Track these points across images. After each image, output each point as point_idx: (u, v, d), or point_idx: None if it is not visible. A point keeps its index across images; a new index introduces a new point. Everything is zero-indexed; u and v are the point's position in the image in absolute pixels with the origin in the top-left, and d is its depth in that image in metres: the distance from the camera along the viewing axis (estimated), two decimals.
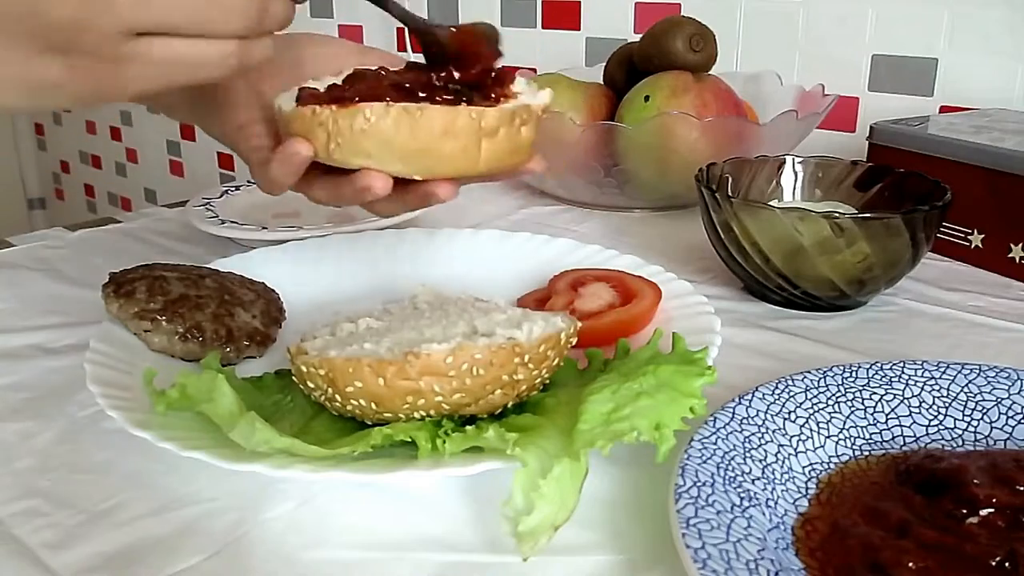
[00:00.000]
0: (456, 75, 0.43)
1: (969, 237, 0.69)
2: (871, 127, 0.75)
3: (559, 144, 0.79)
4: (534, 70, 1.25)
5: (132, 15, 0.32)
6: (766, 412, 0.42)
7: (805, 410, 0.43)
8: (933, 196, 0.59)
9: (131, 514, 0.39)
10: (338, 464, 0.38)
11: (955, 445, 0.42)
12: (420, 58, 0.47)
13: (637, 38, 0.88)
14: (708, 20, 0.85)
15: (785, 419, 0.42)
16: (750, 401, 0.42)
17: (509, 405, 0.41)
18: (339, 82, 0.45)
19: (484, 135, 0.42)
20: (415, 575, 0.36)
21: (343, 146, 0.42)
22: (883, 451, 0.42)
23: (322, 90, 0.44)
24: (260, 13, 0.35)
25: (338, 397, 0.40)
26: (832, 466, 0.41)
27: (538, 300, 0.58)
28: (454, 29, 0.45)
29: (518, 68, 0.53)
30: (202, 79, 0.36)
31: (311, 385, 0.41)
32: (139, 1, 0.32)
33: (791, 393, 0.43)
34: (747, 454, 0.39)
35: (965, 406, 0.44)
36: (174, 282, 0.53)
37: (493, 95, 0.43)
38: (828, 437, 0.42)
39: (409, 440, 0.39)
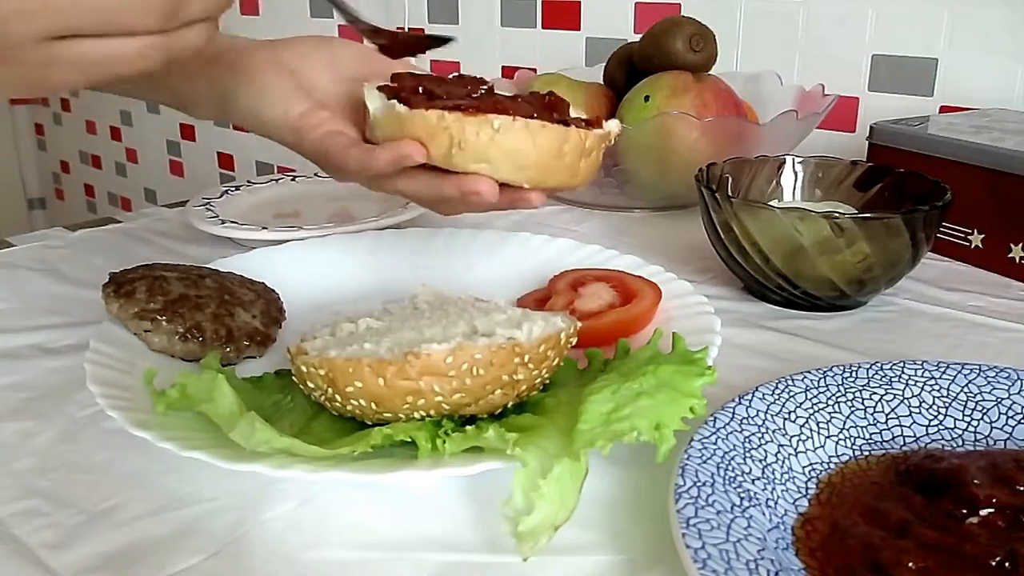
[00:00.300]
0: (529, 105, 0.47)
1: (969, 237, 0.69)
2: (871, 127, 0.75)
3: None
4: (534, 70, 1.25)
5: (44, 24, 0.35)
6: (766, 412, 0.42)
7: (805, 410, 0.42)
8: (933, 196, 0.59)
9: (131, 514, 0.39)
10: (338, 464, 0.38)
11: (955, 445, 0.42)
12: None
13: (637, 38, 0.88)
14: (708, 20, 0.85)
15: (785, 419, 0.42)
16: (750, 401, 0.42)
17: (509, 405, 0.41)
18: (388, 83, 0.49)
19: (584, 155, 0.47)
20: (415, 575, 0.36)
21: (466, 151, 0.44)
22: (883, 451, 0.42)
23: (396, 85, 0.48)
24: (174, 7, 0.37)
25: (338, 397, 0.40)
26: (832, 466, 0.41)
27: (538, 300, 0.58)
28: (399, 31, 0.48)
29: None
30: (128, 74, 0.38)
31: (311, 385, 0.41)
32: (48, 9, 0.35)
33: (791, 393, 0.43)
34: (747, 454, 0.39)
35: (965, 406, 0.44)
36: (174, 282, 0.53)
37: (581, 122, 0.48)
38: (828, 437, 0.42)
39: (409, 440, 0.39)
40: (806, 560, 0.34)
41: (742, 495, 0.36)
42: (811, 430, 0.42)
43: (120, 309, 0.50)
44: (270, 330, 0.54)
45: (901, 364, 0.46)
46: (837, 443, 0.42)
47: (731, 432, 0.40)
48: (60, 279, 0.68)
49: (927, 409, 0.44)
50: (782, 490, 0.38)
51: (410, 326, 0.44)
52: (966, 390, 0.44)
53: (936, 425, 0.43)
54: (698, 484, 0.35)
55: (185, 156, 2.18)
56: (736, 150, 0.74)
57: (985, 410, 0.43)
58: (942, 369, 0.45)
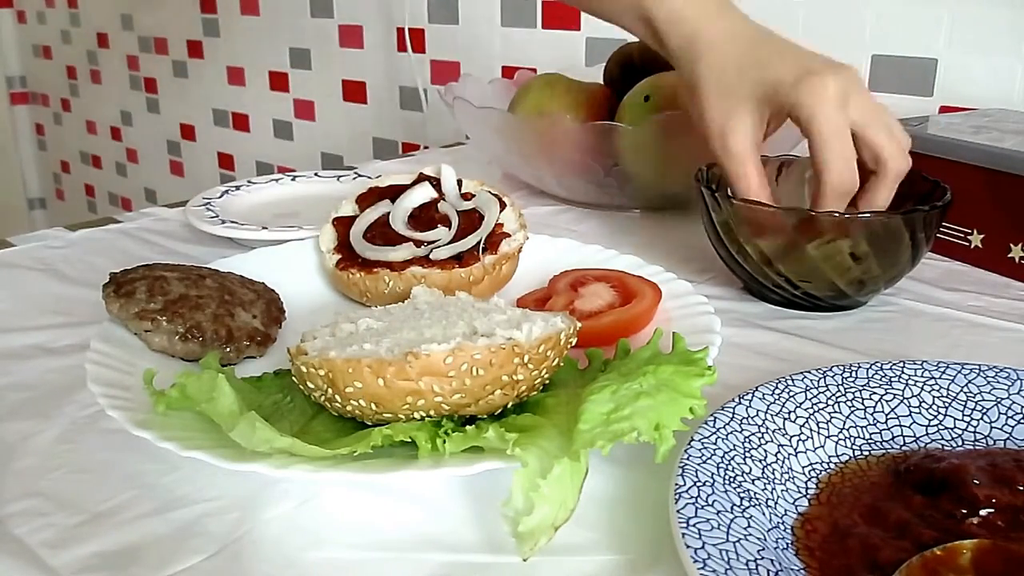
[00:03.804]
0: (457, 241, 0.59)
1: (969, 237, 0.69)
2: None
3: (559, 144, 0.79)
4: (534, 70, 1.25)
5: None
6: (766, 412, 0.42)
7: (805, 410, 0.43)
8: (933, 196, 0.59)
9: (131, 514, 0.39)
10: (338, 464, 0.38)
11: (955, 445, 0.42)
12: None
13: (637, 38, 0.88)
14: None
15: (785, 419, 0.42)
16: (750, 401, 0.42)
17: (509, 405, 0.41)
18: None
19: (472, 284, 0.57)
20: (415, 575, 0.36)
21: (373, 298, 0.58)
22: (883, 451, 0.42)
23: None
24: None
25: (338, 398, 0.40)
26: (832, 466, 0.41)
27: (538, 300, 0.58)
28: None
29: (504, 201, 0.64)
30: None
31: (311, 385, 0.41)
32: None
33: (791, 393, 0.43)
34: (747, 454, 0.39)
35: (965, 406, 0.44)
36: (174, 282, 0.53)
37: (485, 247, 0.59)
38: (828, 437, 0.42)
39: (409, 440, 0.39)
40: (806, 560, 0.34)
41: (742, 495, 0.36)
42: (811, 430, 0.42)
43: (120, 309, 0.50)
44: (270, 330, 0.54)
45: (901, 364, 0.46)
46: (837, 443, 0.42)
47: (731, 432, 0.40)
48: (60, 279, 0.68)
49: (927, 409, 0.44)
50: (782, 490, 0.38)
51: (410, 326, 0.44)
52: (966, 390, 0.44)
53: (936, 425, 0.43)
54: (698, 484, 0.36)
55: (185, 156, 2.18)
56: None
57: (985, 410, 0.43)
58: (942, 369, 0.45)
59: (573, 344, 0.44)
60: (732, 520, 0.34)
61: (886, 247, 0.56)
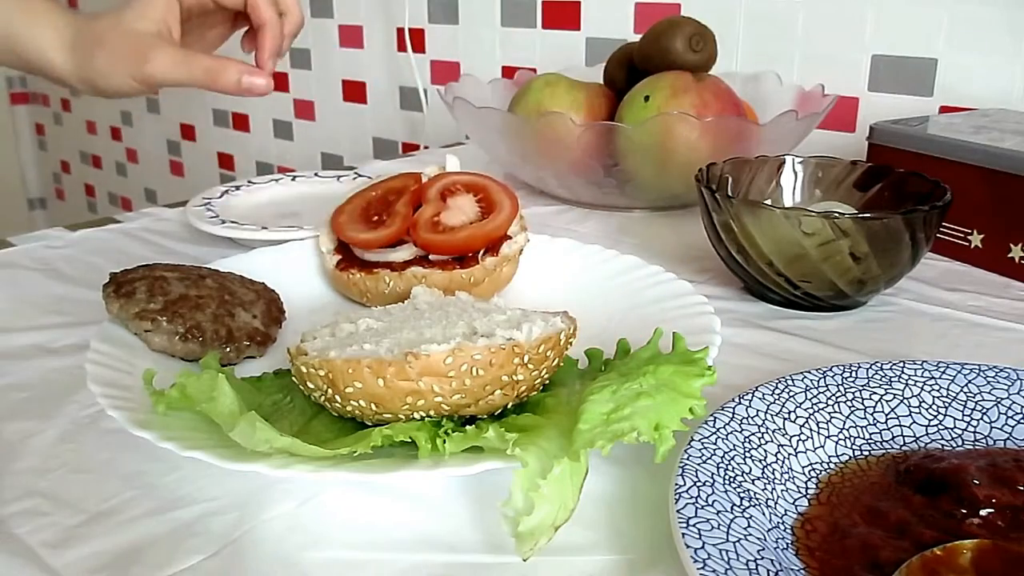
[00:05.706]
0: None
1: (969, 237, 0.69)
2: (871, 127, 0.75)
3: (559, 144, 0.80)
4: (534, 70, 1.25)
5: None
6: (766, 412, 0.42)
7: (805, 410, 0.43)
8: (933, 196, 0.59)
9: (131, 514, 0.39)
10: (338, 464, 0.38)
11: (955, 445, 0.42)
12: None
13: (637, 38, 0.88)
14: (708, 20, 0.85)
15: (785, 419, 0.42)
16: (750, 401, 0.42)
17: (509, 405, 0.41)
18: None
19: (472, 285, 0.58)
20: (415, 575, 0.36)
21: (373, 299, 0.59)
22: (883, 451, 0.42)
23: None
24: None
25: (338, 398, 0.40)
26: (832, 466, 0.41)
27: (411, 202, 0.62)
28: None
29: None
30: None
31: (311, 386, 0.41)
32: None
33: (791, 393, 0.43)
34: (747, 454, 0.39)
35: (965, 406, 0.44)
36: (174, 282, 0.53)
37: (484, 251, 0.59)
38: (828, 437, 0.42)
39: (409, 440, 0.39)
40: (806, 560, 0.34)
41: (742, 495, 0.36)
42: (811, 430, 0.42)
43: (120, 309, 0.50)
44: (270, 330, 0.54)
45: (901, 364, 0.46)
46: (837, 443, 0.42)
47: (731, 432, 0.40)
48: (60, 279, 0.68)
49: (927, 409, 0.44)
50: (782, 490, 0.38)
51: (410, 327, 0.44)
52: (966, 390, 0.44)
53: (936, 425, 0.43)
54: (698, 484, 0.36)
55: (185, 156, 2.18)
56: (736, 150, 0.74)
57: (985, 410, 0.43)
58: (942, 369, 0.45)
59: (573, 344, 0.44)
60: (732, 520, 0.34)
61: (886, 247, 0.56)
